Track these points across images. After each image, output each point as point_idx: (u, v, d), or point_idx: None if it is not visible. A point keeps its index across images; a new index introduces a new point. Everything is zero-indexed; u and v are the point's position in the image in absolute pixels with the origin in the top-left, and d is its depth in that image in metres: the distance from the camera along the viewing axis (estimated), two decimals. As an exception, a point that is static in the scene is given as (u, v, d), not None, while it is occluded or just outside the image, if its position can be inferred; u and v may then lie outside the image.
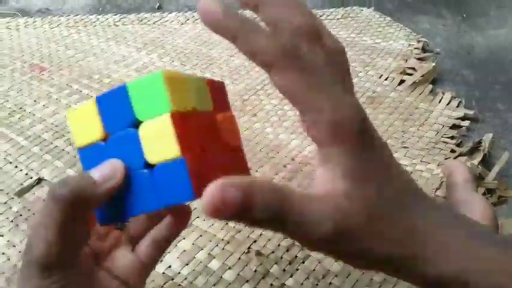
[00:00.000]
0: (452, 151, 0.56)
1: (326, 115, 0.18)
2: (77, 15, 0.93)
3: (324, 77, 0.18)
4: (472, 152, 0.56)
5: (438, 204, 0.22)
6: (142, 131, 0.20)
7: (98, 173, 0.21)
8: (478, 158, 0.54)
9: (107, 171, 0.21)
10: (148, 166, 0.21)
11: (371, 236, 0.18)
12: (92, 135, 0.21)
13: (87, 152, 0.22)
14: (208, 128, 0.22)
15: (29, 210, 0.49)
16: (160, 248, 0.30)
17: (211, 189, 0.16)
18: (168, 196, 0.20)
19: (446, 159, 0.54)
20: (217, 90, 0.24)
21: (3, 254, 0.45)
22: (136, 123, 0.20)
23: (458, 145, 0.57)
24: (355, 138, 0.18)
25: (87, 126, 0.21)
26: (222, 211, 0.16)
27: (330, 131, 0.18)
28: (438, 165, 0.53)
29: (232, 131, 0.25)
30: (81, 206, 0.21)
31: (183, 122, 0.20)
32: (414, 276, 0.20)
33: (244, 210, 0.16)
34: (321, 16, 0.90)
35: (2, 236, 0.47)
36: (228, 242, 0.44)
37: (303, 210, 0.18)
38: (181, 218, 0.30)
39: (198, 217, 0.46)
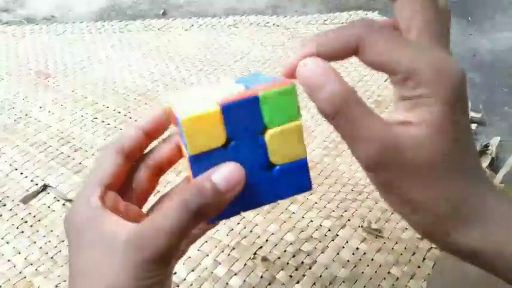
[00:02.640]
0: (460, 155, 0.55)
1: (432, 58, 0.18)
2: (82, 22, 0.94)
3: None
4: (479, 155, 0.55)
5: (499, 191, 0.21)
6: (270, 137, 0.22)
7: (222, 182, 0.21)
8: (485, 162, 0.54)
9: (232, 180, 0.21)
10: (268, 168, 0.23)
11: (426, 180, 0.19)
12: (212, 142, 0.22)
13: (201, 159, 0.22)
14: None
15: (34, 217, 0.49)
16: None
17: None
18: (289, 190, 0.23)
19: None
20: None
21: (8, 261, 0.45)
22: (262, 131, 0.22)
23: (465, 149, 0.56)
24: (457, 88, 0.19)
25: (207, 133, 0.22)
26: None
27: (433, 73, 0.18)
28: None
29: None
30: (207, 215, 0.22)
31: None
32: (444, 240, 0.20)
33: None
34: (324, 21, 0.90)
35: (8, 243, 0.46)
36: (234, 248, 0.44)
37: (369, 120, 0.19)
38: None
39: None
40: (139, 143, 0.25)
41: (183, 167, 0.27)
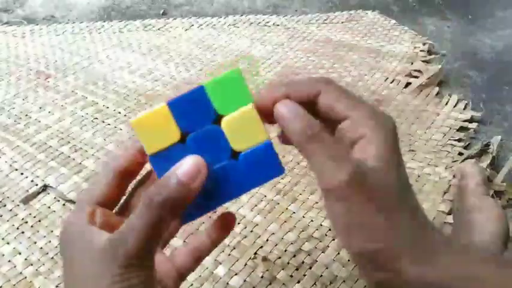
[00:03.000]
0: (460, 154, 0.55)
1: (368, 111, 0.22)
2: (82, 22, 0.94)
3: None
4: (480, 154, 0.55)
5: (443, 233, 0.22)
6: (226, 124, 0.22)
7: (183, 174, 0.22)
8: (486, 161, 0.54)
9: (192, 169, 0.22)
10: (232, 156, 0.23)
11: (382, 205, 0.20)
12: (167, 139, 0.22)
13: (161, 157, 0.22)
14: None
15: (34, 217, 0.49)
16: (200, 257, 0.30)
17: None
18: (260, 176, 0.23)
19: (454, 162, 0.53)
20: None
21: (9, 261, 0.45)
22: (216, 119, 0.22)
23: (465, 148, 0.56)
24: (392, 131, 0.22)
25: (159, 131, 0.22)
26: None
27: (372, 116, 0.21)
28: (446, 168, 0.52)
29: None
30: (175, 209, 0.22)
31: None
32: (388, 270, 0.20)
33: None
34: (324, 20, 0.90)
35: (8, 243, 0.46)
36: (234, 248, 0.44)
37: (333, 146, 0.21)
38: (227, 223, 0.29)
39: (203, 223, 0.46)
40: (136, 164, 0.26)
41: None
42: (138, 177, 0.28)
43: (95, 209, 0.25)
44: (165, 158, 0.22)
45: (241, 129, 0.22)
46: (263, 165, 0.23)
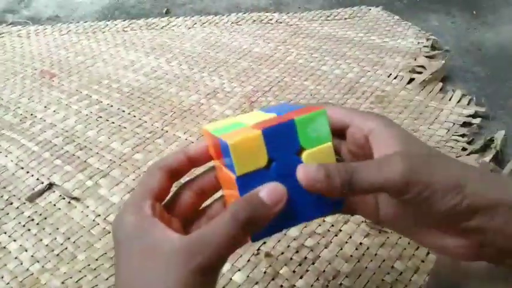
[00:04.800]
0: (464, 149, 0.55)
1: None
2: (86, 22, 0.94)
3: None
4: (484, 149, 0.55)
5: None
6: (307, 157, 0.24)
7: (268, 197, 0.23)
8: (490, 156, 0.53)
9: (277, 196, 0.23)
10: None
11: (430, 172, 0.21)
12: (255, 163, 0.24)
13: (247, 178, 0.24)
14: None
15: (40, 215, 0.50)
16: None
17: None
18: (323, 209, 0.25)
19: (457, 157, 0.53)
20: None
21: (15, 258, 0.45)
22: (299, 152, 0.24)
23: (469, 143, 0.56)
24: (388, 119, 0.25)
25: (251, 155, 0.24)
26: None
27: (369, 114, 0.25)
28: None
29: None
30: (254, 227, 0.23)
31: None
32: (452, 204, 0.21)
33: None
34: (327, 17, 0.90)
35: (15, 240, 0.47)
36: (237, 244, 0.44)
37: (371, 170, 0.22)
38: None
39: (207, 219, 0.46)
40: (183, 167, 0.27)
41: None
42: (186, 178, 0.28)
43: (155, 202, 0.25)
44: (250, 181, 0.24)
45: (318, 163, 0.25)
46: (327, 200, 0.25)
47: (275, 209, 0.23)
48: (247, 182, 0.24)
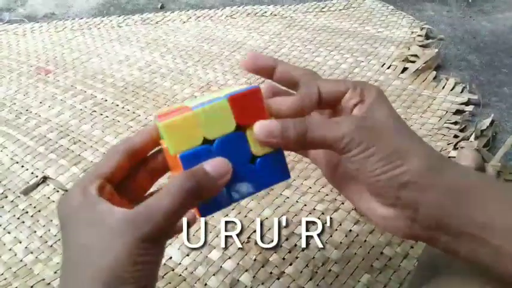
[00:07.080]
0: (456, 136, 0.55)
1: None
2: (81, 18, 0.95)
3: None
4: (476, 136, 0.55)
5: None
6: (250, 133, 0.25)
7: (213, 170, 0.24)
8: (482, 142, 0.53)
9: (221, 168, 0.24)
10: (251, 160, 0.25)
11: (377, 137, 0.23)
12: (190, 142, 0.24)
13: (190, 156, 0.24)
14: None
15: (34, 207, 0.50)
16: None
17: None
18: (270, 179, 0.26)
19: (449, 144, 0.53)
20: (245, 101, 0.26)
21: (9, 250, 0.46)
22: (241, 128, 0.25)
23: (461, 130, 0.56)
24: (379, 90, 0.25)
25: (184, 134, 0.24)
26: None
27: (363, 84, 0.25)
28: (440, 151, 0.52)
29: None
30: (199, 198, 0.24)
31: None
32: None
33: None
34: (322, 8, 0.90)
35: (9, 232, 0.48)
36: (228, 233, 0.44)
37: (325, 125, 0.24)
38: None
39: (198, 209, 0.47)
40: (145, 147, 0.27)
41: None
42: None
43: (105, 183, 0.25)
44: (194, 158, 0.24)
45: None
46: (274, 170, 0.26)
47: (220, 181, 0.24)
48: (190, 160, 0.24)
